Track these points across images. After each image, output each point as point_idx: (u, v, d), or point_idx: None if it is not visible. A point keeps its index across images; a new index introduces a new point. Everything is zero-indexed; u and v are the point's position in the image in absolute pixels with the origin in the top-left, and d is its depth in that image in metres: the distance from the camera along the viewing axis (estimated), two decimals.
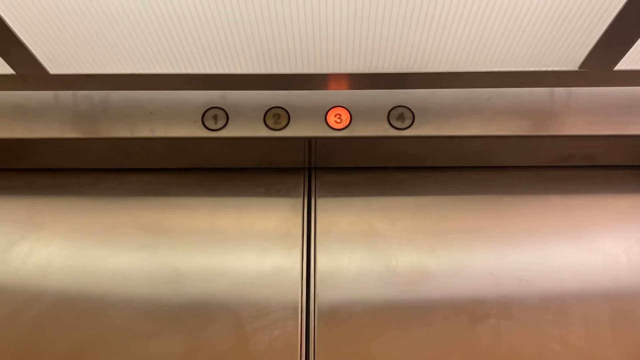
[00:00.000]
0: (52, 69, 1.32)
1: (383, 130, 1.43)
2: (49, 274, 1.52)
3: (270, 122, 1.43)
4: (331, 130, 1.43)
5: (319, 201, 1.61)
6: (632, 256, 1.52)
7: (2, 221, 1.60)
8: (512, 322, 1.45)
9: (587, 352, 1.42)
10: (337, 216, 1.59)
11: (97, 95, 1.46)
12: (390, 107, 1.44)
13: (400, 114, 1.43)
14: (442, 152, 1.56)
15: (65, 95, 1.46)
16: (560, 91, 1.44)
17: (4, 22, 1.15)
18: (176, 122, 1.44)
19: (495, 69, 1.32)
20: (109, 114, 1.45)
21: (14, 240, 1.57)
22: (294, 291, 1.49)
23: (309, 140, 1.46)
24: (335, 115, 1.43)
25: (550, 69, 1.32)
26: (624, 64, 1.29)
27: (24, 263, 1.54)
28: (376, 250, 1.54)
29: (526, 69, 1.32)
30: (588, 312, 1.46)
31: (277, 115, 1.44)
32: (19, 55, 1.26)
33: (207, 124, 1.44)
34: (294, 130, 1.43)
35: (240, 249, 1.55)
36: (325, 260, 1.53)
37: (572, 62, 1.30)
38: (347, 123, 1.43)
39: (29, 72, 1.32)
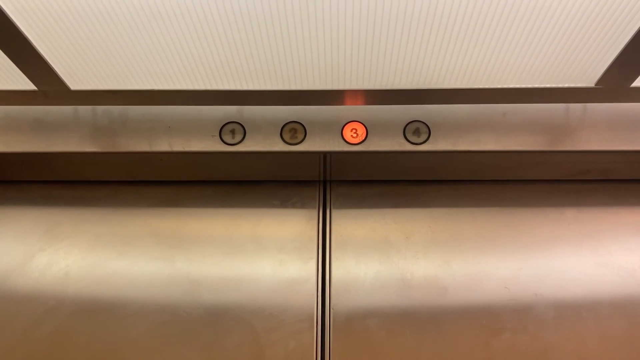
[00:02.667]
0: (73, 85, 1.34)
1: (399, 145, 1.44)
2: (67, 285, 1.54)
3: (286, 137, 1.45)
4: (347, 144, 1.44)
5: (334, 213, 1.62)
6: None
7: (21, 233, 1.62)
8: (527, 336, 1.45)
9: None
10: (353, 229, 1.60)
11: (116, 110, 1.48)
12: (406, 122, 1.45)
13: (416, 128, 1.44)
14: (457, 166, 1.56)
15: (85, 109, 1.48)
16: (575, 107, 1.45)
17: (26, 39, 1.17)
18: (194, 136, 1.46)
19: (511, 86, 1.32)
20: (127, 128, 1.47)
21: (34, 252, 1.59)
22: (310, 303, 1.50)
23: (325, 154, 1.47)
24: (352, 130, 1.44)
25: (566, 85, 1.32)
26: None
27: (43, 274, 1.56)
28: (391, 263, 1.55)
29: (542, 85, 1.32)
30: (603, 327, 1.46)
31: (293, 129, 1.45)
32: (41, 71, 1.27)
33: (224, 138, 1.45)
34: (311, 145, 1.44)
35: (256, 261, 1.56)
36: (341, 273, 1.54)
37: (588, 79, 1.30)
38: (363, 138, 1.44)
39: (50, 88, 1.34)
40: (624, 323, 1.46)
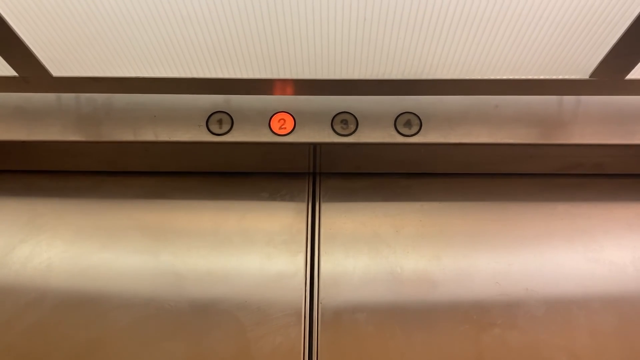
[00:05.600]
0: (55, 72, 1.30)
1: (390, 136, 1.41)
2: (49, 277, 1.51)
3: (275, 127, 1.42)
4: (337, 136, 1.41)
5: (323, 206, 1.60)
6: None
7: (2, 223, 1.58)
8: (517, 331, 1.44)
9: None
10: (342, 222, 1.58)
11: (100, 98, 1.45)
12: (397, 114, 1.42)
13: (407, 120, 1.42)
14: (449, 159, 1.55)
15: (68, 97, 1.45)
16: (569, 99, 1.43)
17: (6, 23, 1.13)
18: (180, 126, 1.43)
19: (504, 77, 1.30)
20: (112, 117, 1.43)
21: (15, 243, 1.55)
22: (298, 297, 1.47)
23: (315, 145, 1.44)
24: (342, 121, 1.42)
25: (560, 77, 1.30)
26: (635, 74, 1.27)
27: (25, 266, 1.52)
28: (381, 257, 1.53)
29: (535, 77, 1.30)
30: (594, 323, 1.44)
31: (282, 120, 1.42)
32: (21, 57, 1.24)
33: (211, 128, 1.42)
34: (300, 136, 1.42)
35: (244, 254, 1.54)
36: (329, 267, 1.52)
37: (582, 70, 1.28)
38: (354, 129, 1.41)
39: (32, 74, 1.30)
40: (615, 319, 1.45)
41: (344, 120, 1.42)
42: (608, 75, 1.28)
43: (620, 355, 1.42)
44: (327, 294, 1.48)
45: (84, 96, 1.45)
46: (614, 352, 1.42)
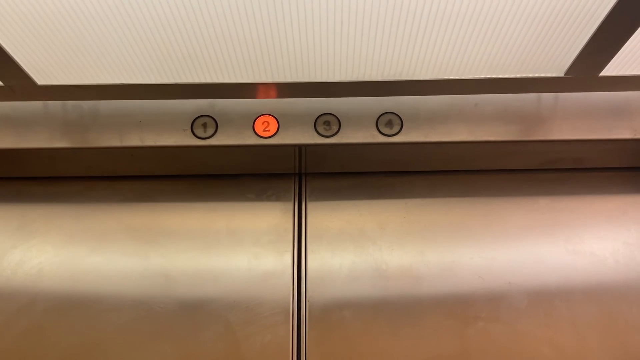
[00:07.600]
0: (40, 80, 1.32)
1: (372, 136, 1.44)
2: (41, 282, 1.52)
3: (259, 130, 1.44)
4: (320, 137, 1.43)
5: (309, 206, 1.62)
6: (619, 258, 1.54)
7: None
8: (501, 324, 1.47)
9: (575, 354, 1.44)
10: (328, 221, 1.60)
11: (86, 104, 1.46)
12: (379, 114, 1.45)
13: (388, 120, 1.44)
14: (431, 157, 1.57)
15: (55, 104, 1.46)
16: (547, 96, 1.46)
17: None
18: (165, 130, 1.44)
19: (482, 76, 1.32)
20: (98, 123, 1.45)
21: (5, 249, 1.57)
22: (285, 296, 1.50)
23: (299, 147, 1.46)
24: (324, 122, 1.44)
25: (536, 75, 1.33)
26: (608, 70, 1.30)
27: (15, 272, 1.54)
28: (366, 254, 1.55)
29: (512, 75, 1.32)
30: (576, 314, 1.47)
31: (266, 122, 1.44)
32: (5, 67, 1.25)
33: (196, 132, 1.44)
34: (284, 138, 1.44)
35: (232, 254, 1.56)
36: (316, 265, 1.54)
37: (558, 68, 1.31)
38: (337, 130, 1.44)
39: (17, 83, 1.32)
40: (595, 309, 1.48)
41: (327, 121, 1.44)
42: (583, 73, 1.31)
43: (601, 345, 1.45)
44: (315, 292, 1.50)
45: (70, 103, 1.46)
46: (595, 342, 1.45)
